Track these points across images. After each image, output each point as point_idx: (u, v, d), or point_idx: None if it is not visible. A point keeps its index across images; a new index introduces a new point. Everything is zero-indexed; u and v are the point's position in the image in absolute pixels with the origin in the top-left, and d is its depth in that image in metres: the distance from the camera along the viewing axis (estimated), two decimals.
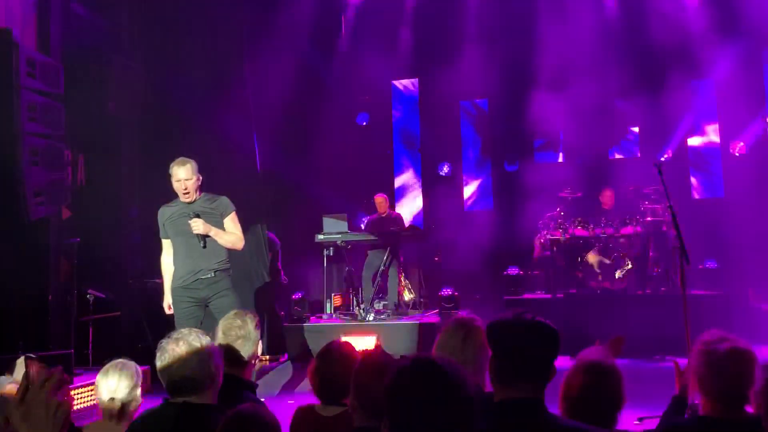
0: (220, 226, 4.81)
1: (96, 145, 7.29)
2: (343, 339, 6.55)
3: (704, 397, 2.18)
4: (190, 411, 2.24)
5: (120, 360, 2.84)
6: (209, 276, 4.73)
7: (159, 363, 2.28)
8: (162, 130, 7.50)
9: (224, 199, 4.89)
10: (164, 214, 4.87)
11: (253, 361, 2.86)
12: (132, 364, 2.83)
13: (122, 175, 7.72)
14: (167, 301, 4.90)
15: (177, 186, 4.72)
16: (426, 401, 1.42)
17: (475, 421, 1.45)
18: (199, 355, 2.27)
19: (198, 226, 4.65)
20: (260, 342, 2.89)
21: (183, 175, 4.68)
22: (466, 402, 1.44)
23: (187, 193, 4.71)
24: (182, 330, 2.35)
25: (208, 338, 2.37)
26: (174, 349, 2.27)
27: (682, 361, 2.71)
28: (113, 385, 2.73)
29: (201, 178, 4.80)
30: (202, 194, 4.84)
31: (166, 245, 4.93)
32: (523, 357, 1.85)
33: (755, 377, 2.10)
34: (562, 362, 1.93)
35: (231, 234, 4.82)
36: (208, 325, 4.35)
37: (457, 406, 1.43)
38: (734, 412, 2.12)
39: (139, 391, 2.78)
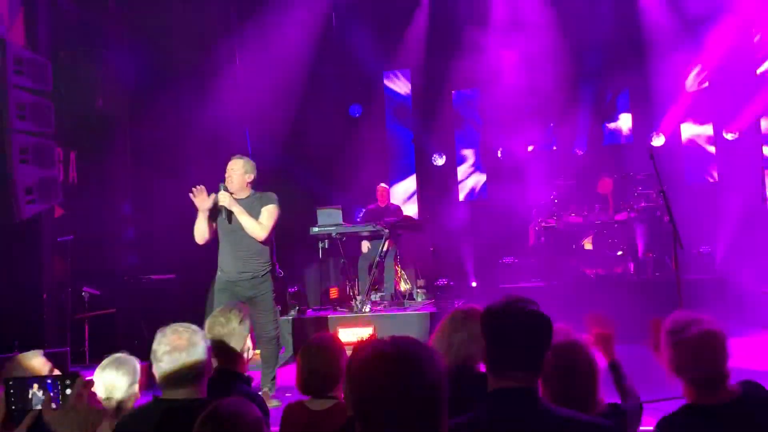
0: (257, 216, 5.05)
1: (87, 141, 7.24)
2: (340, 331, 6.60)
3: (685, 385, 2.15)
4: (179, 408, 2.20)
5: (118, 355, 2.77)
6: (255, 277, 5.06)
7: (160, 351, 2.23)
8: (152, 124, 7.46)
9: (271, 195, 5.18)
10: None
11: (246, 355, 2.84)
12: (131, 359, 2.77)
13: (114, 172, 7.68)
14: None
15: (226, 175, 5.06)
16: (385, 390, 1.31)
17: (444, 408, 1.34)
18: (197, 347, 2.26)
19: (224, 198, 4.93)
20: (249, 337, 2.87)
21: (231, 164, 5.07)
22: (429, 388, 1.32)
23: (230, 180, 5.01)
24: (181, 323, 2.33)
25: (203, 332, 2.37)
26: (175, 340, 2.24)
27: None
28: (110, 382, 2.67)
29: (253, 178, 5.10)
30: (253, 192, 5.13)
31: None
32: (515, 346, 1.82)
33: (728, 352, 2.11)
34: None
35: (254, 221, 4.98)
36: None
37: (421, 393, 1.31)
38: (717, 394, 2.10)
39: (136, 387, 2.73)
